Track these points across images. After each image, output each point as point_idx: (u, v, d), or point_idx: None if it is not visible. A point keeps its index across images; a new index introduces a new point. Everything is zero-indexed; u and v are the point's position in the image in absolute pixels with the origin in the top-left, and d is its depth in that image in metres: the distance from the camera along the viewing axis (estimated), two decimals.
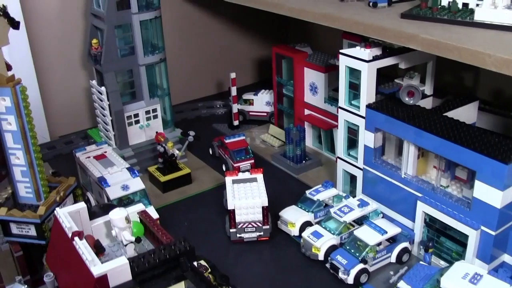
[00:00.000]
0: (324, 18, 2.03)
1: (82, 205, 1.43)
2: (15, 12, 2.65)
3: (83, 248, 1.24)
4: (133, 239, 1.38)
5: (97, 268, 1.18)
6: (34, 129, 1.81)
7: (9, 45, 1.82)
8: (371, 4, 2.03)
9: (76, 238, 1.27)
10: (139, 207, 1.51)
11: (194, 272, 1.25)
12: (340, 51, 2.03)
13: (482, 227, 1.72)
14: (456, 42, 1.57)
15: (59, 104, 3.06)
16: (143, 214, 1.47)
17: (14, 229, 1.80)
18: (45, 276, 1.47)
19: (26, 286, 1.59)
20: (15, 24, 1.82)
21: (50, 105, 3.02)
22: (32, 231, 1.79)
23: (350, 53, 1.99)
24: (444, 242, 1.88)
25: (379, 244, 1.89)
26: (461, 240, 1.81)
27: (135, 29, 2.48)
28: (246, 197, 2.06)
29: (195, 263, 1.31)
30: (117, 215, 1.36)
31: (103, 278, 1.17)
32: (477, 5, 1.77)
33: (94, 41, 2.50)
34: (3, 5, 1.77)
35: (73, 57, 3.01)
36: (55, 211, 1.41)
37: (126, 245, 1.38)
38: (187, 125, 2.88)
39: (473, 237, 1.74)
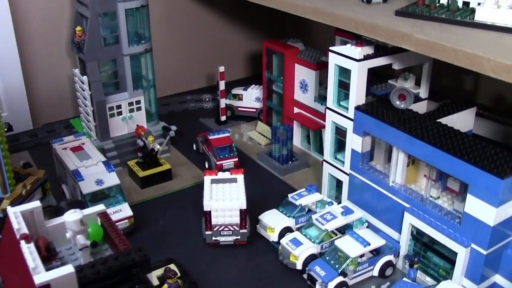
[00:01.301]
0: (314, 13, 1.91)
1: (36, 204, 1.32)
2: None
3: (28, 253, 1.13)
4: (88, 243, 1.26)
5: (39, 276, 1.07)
6: (0, 119, 1.72)
7: None
8: (365, 0, 1.92)
9: (23, 242, 1.16)
10: (99, 207, 1.39)
11: (146, 285, 1.14)
12: (330, 48, 1.92)
13: (473, 245, 1.60)
14: (453, 43, 1.45)
15: (43, 91, 2.95)
16: (102, 216, 1.36)
17: None
18: None
19: None
20: None
21: (34, 93, 2.92)
22: None
23: (340, 51, 1.88)
24: (431, 258, 1.77)
25: (361, 256, 1.78)
26: (449, 257, 1.69)
27: (120, 18, 2.38)
28: (223, 199, 1.95)
29: (152, 274, 1.20)
30: (70, 217, 1.25)
31: None
32: (479, 4, 1.65)
33: (78, 28, 2.41)
34: None
35: (58, 44, 2.91)
36: (7, 209, 1.30)
37: (81, 250, 1.27)
38: (174, 119, 2.78)
39: (462, 255, 1.62)
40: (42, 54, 2.90)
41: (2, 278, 1.29)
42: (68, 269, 1.09)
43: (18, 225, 1.22)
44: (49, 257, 1.27)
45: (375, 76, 2.15)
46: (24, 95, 2.85)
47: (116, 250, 1.28)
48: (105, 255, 1.27)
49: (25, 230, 1.21)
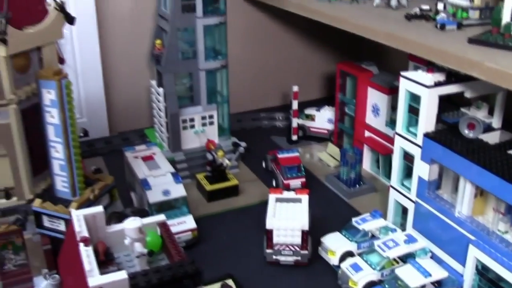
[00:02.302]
0: (387, 37, 1.91)
1: (99, 209, 1.37)
2: (89, 8, 2.69)
3: (86, 255, 1.18)
4: (145, 251, 1.30)
5: (93, 279, 1.11)
6: (76, 124, 1.79)
7: (77, 37, 1.83)
8: (438, 26, 1.90)
9: (82, 244, 1.21)
10: (159, 217, 1.43)
11: None
12: (401, 73, 1.90)
13: None
14: None
15: (121, 101, 3.06)
16: (162, 226, 1.40)
17: (46, 222, 1.78)
18: (51, 278, 1.43)
19: (50, 280, 1.54)
20: (70, 20, 1.84)
21: (112, 101, 3.03)
22: (62, 226, 1.76)
23: (411, 77, 1.86)
24: None
25: (422, 287, 1.74)
26: None
27: (198, 33, 2.44)
28: (286, 218, 1.96)
29: None
30: (129, 224, 1.29)
31: None
32: None
33: (158, 41, 2.49)
34: (61, 0, 1.78)
35: (138, 56, 3.00)
36: (71, 212, 1.36)
37: (138, 257, 1.31)
38: (246, 135, 2.81)
39: None
40: (122, 65, 3.01)
41: (61, 277, 1.35)
42: (122, 275, 1.13)
43: (80, 228, 1.27)
44: (107, 262, 1.31)
45: (448, 103, 2.11)
46: (103, 103, 2.97)
47: (172, 260, 1.31)
48: (161, 265, 1.31)
49: (85, 233, 1.26)
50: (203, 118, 2.58)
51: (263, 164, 2.67)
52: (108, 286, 1.10)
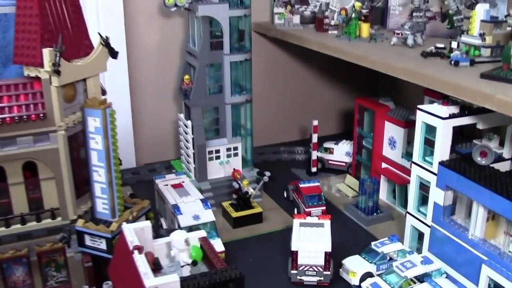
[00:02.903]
0: (404, 72, 2.07)
1: (147, 223, 1.52)
2: (120, 44, 2.86)
3: (141, 261, 1.32)
4: (189, 261, 1.44)
5: (149, 281, 1.25)
6: (118, 151, 1.94)
7: (107, 72, 1.98)
8: (452, 62, 2.06)
9: (136, 252, 1.35)
10: (201, 233, 1.58)
11: None
12: (418, 106, 2.06)
13: None
14: None
15: (148, 133, 3.21)
16: (203, 240, 1.54)
17: (88, 240, 1.90)
18: (104, 284, 1.56)
19: None
20: (114, 54, 1.99)
21: (139, 134, 3.18)
22: (103, 245, 1.88)
23: (427, 109, 2.01)
24: None
25: None
26: None
27: (225, 69, 2.60)
28: (310, 241, 2.09)
29: None
30: (177, 236, 1.43)
31: None
32: None
33: (186, 77, 2.65)
34: (106, 36, 1.94)
35: (165, 90, 3.17)
36: (122, 225, 1.50)
37: (182, 266, 1.44)
38: (267, 167, 2.93)
39: None
40: (150, 98, 3.17)
41: (113, 284, 1.49)
42: (174, 277, 1.26)
43: (132, 238, 1.41)
44: (155, 270, 1.45)
45: (462, 136, 2.25)
46: (131, 136, 3.12)
47: (214, 269, 1.45)
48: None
49: (137, 242, 1.40)
50: (228, 149, 2.73)
51: (285, 194, 2.81)
52: (162, 287, 1.24)
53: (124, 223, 1.49)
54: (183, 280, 1.28)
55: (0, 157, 1.75)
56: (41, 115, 1.75)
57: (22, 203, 1.84)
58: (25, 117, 1.73)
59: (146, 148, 3.23)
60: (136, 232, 1.47)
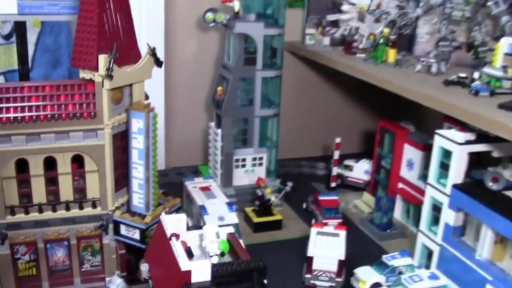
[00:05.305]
0: (425, 99, 2.20)
1: (183, 216, 1.69)
2: (159, 54, 3.01)
3: (178, 247, 1.48)
4: (218, 252, 1.59)
5: (184, 264, 1.41)
6: (156, 151, 2.11)
7: (149, 79, 2.14)
8: (473, 92, 2.18)
9: (173, 238, 1.52)
10: (229, 229, 1.74)
11: (262, 287, 1.45)
12: (436, 131, 2.19)
13: None
14: None
15: (178, 139, 3.39)
16: (231, 235, 1.70)
17: (123, 230, 2.07)
18: (142, 265, 1.72)
19: (122, 279, 1.84)
20: (159, 63, 2.15)
21: (170, 138, 3.35)
22: (137, 235, 2.04)
23: (445, 134, 2.15)
24: None
25: None
26: None
27: (257, 84, 2.75)
28: (326, 248, 2.23)
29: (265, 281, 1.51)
30: (209, 228, 1.60)
31: (188, 273, 1.40)
32: None
33: (219, 88, 2.80)
34: (153, 46, 2.10)
35: (198, 100, 3.36)
36: (160, 216, 1.67)
37: (211, 257, 1.60)
38: (289, 179, 3.03)
39: None
40: (183, 106, 3.34)
41: (149, 266, 1.65)
42: (206, 262, 1.43)
43: (170, 226, 1.58)
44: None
45: (478, 163, 2.38)
46: (162, 140, 3.27)
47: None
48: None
49: (174, 231, 1.57)
50: (254, 159, 2.88)
51: (304, 205, 2.95)
52: (195, 270, 1.40)
53: (163, 213, 1.66)
54: (213, 265, 1.44)
55: (54, 149, 1.93)
56: (92, 114, 1.93)
57: (68, 191, 2.02)
58: (78, 114, 1.91)
59: (175, 153, 3.39)
60: (172, 222, 1.63)
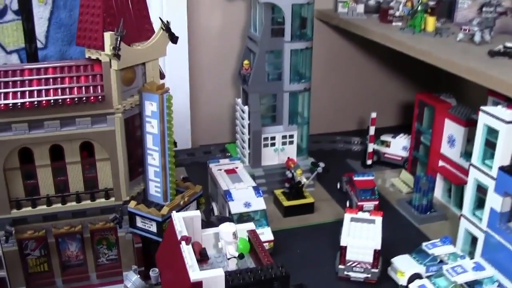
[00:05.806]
0: (468, 72, 2.01)
1: (197, 213, 1.53)
2: (181, 27, 2.87)
3: (187, 252, 1.33)
4: (236, 254, 1.44)
5: (194, 273, 1.25)
6: (173, 135, 1.96)
7: (168, 53, 1.98)
8: None
9: (183, 242, 1.36)
10: (250, 225, 1.57)
11: None
12: (481, 107, 1.99)
13: None
14: None
15: (205, 115, 3.24)
16: (251, 233, 1.53)
17: (139, 222, 1.93)
18: (151, 270, 1.59)
19: (138, 276, 1.71)
20: (174, 39, 1.99)
21: (196, 116, 3.21)
22: (153, 228, 1.91)
23: (490, 111, 1.95)
24: None
25: None
26: None
27: (285, 57, 2.58)
28: (360, 237, 2.06)
29: None
30: (225, 228, 1.44)
31: (198, 284, 1.24)
32: None
33: (246, 62, 2.64)
34: (167, 21, 1.94)
35: (225, 75, 3.19)
36: (172, 214, 1.51)
37: (229, 259, 1.44)
38: (322, 156, 2.90)
39: None
40: (208, 82, 3.19)
41: (159, 271, 1.51)
42: (220, 272, 1.27)
43: (180, 228, 1.42)
44: (201, 261, 1.45)
45: None
46: (188, 117, 3.15)
47: (258, 264, 1.45)
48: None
49: (185, 233, 1.41)
50: (284, 137, 2.72)
51: (338, 185, 2.78)
52: (207, 281, 1.24)
53: (174, 212, 1.50)
54: (228, 274, 1.28)
55: (60, 136, 1.78)
56: (100, 97, 1.77)
57: (78, 182, 1.88)
58: (84, 98, 1.75)
59: (202, 130, 3.25)
60: (185, 221, 1.47)
